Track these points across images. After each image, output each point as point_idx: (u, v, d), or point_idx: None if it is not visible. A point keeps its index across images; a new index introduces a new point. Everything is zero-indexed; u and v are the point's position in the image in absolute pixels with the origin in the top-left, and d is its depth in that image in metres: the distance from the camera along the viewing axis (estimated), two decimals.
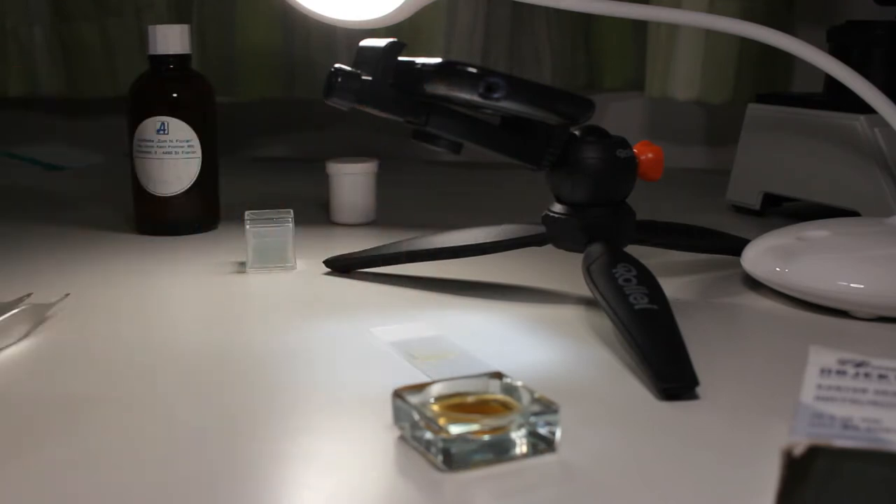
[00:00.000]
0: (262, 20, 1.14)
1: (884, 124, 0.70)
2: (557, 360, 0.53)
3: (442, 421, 0.40)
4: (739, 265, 0.65)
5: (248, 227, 0.69)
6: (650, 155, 0.61)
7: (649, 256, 0.60)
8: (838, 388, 0.39)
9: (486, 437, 0.40)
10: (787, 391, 0.41)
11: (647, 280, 0.55)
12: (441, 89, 0.55)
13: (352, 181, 0.85)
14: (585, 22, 1.14)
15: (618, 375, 0.50)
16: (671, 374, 0.48)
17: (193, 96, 0.81)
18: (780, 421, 0.41)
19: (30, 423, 0.45)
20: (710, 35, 0.99)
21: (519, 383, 0.43)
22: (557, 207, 0.62)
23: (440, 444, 0.39)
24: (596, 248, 0.59)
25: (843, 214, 0.77)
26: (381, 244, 0.69)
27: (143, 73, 0.82)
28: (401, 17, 0.68)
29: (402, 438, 0.42)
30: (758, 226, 0.79)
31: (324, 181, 0.86)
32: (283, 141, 1.28)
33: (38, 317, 0.58)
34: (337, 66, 0.57)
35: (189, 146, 0.80)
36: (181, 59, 0.81)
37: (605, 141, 0.60)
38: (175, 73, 0.81)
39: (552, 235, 0.62)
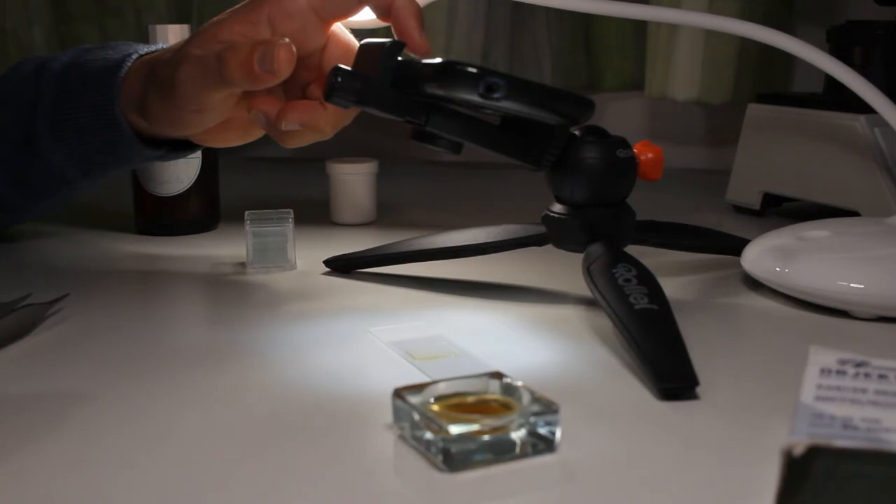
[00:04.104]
0: None
1: (884, 124, 0.70)
2: (557, 360, 0.53)
3: (442, 421, 0.40)
4: (739, 265, 0.65)
5: (248, 227, 0.69)
6: (650, 155, 0.61)
7: (649, 256, 0.60)
8: (838, 388, 0.39)
9: (486, 437, 0.40)
10: (787, 391, 0.41)
11: (647, 280, 0.55)
12: (441, 89, 0.55)
13: (352, 181, 0.85)
14: (585, 22, 1.14)
15: (618, 375, 0.50)
16: (671, 374, 0.48)
17: None
18: (780, 421, 0.41)
19: (30, 423, 0.45)
20: (710, 35, 0.99)
21: (519, 383, 0.43)
22: (557, 207, 0.62)
23: (440, 444, 0.39)
24: (596, 248, 0.59)
25: (843, 214, 0.77)
26: (381, 244, 0.69)
27: None
28: None
29: (401, 438, 0.42)
30: (758, 226, 0.79)
31: (324, 181, 0.86)
32: None
33: (38, 317, 0.58)
34: (337, 65, 0.57)
35: None
36: None
37: (605, 141, 0.60)
38: None
39: (552, 235, 0.62)
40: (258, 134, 0.65)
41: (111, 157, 0.67)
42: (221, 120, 0.62)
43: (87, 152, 0.66)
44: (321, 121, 0.61)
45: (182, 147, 0.67)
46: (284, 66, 0.57)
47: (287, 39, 0.57)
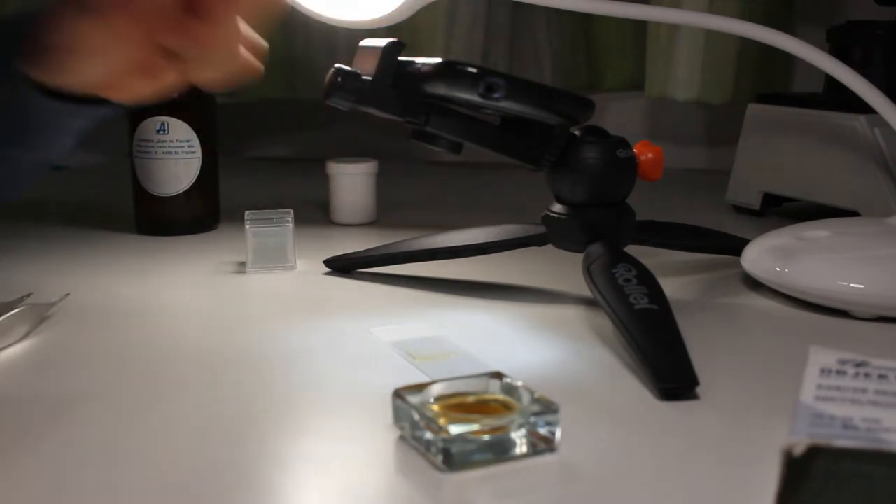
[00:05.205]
0: None
1: (884, 124, 0.70)
2: (557, 360, 0.53)
3: (442, 421, 0.40)
4: (739, 265, 0.65)
5: (248, 227, 0.69)
6: (650, 155, 0.61)
7: (649, 256, 0.60)
8: (838, 388, 0.39)
9: (486, 437, 0.40)
10: (787, 391, 0.41)
11: (647, 280, 0.55)
12: (441, 89, 0.55)
13: (352, 181, 0.85)
14: (585, 22, 1.14)
15: (618, 375, 0.50)
16: (671, 374, 0.48)
17: (193, 96, 0.81)
18: (780, 421, 0.41)
19: (30, 423, 0.45)
20: (710, 35, 0.99)
21: (519, 383, 0.43)
22: (557, 207, 0.62)
23: (440, 444, 0.39)
24: (596, 248, 0.59)
25: (843, 214, 0.77)
26: (381, 244, 0.69)
27: None
28: (401, 17, 0.68)
29: (402, 438, 0.42)
30: (758, 226, 0.79)
31: (324, 181, 0.86)
32: (283, 141, 1.28)
33: (38, 317, 0.58)
34: (337, 66, 0.57)
35: (189, 146, 0.80)
36: None
37: (605, 141, 0.60)
38: None
39: (552, 235, 0.62)
40: (170, 81, 0.57)
41: (17, 115, 0.62)
42: (115, 65, 0.57)
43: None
44: (204, 37, 0.52)
45: (97, 103, 0.63)
46: None
47: None
